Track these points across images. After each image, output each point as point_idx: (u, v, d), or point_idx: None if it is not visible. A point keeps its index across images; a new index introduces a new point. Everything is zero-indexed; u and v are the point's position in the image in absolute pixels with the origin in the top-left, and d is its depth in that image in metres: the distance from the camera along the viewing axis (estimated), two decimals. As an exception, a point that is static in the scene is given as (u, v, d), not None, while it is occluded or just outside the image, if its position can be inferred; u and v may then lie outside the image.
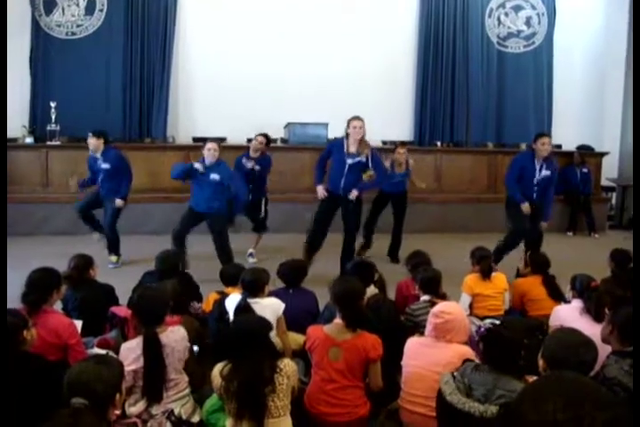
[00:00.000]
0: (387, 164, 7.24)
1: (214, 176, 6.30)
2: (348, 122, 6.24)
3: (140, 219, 8.51)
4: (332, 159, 6.40)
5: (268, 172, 7.43)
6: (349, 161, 6.22)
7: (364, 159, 6.23)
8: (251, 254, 7.46)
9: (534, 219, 6.57)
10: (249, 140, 7.29)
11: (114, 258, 7.11)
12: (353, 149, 6.22)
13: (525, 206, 6.45)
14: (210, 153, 6.28)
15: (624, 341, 2.78)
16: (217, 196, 6.37)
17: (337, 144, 6.39)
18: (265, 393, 2.78)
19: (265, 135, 7.38)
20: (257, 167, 7.24)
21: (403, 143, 8.11)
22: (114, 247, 7.16)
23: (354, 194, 6.25)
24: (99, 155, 6.99)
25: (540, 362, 2.50)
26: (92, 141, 6.96)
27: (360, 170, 6.26)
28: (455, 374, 2.62)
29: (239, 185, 6.66)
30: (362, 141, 6.22)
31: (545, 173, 6.47)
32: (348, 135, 6.26)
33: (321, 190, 6.38)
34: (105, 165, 6.97)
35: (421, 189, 7.84)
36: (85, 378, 2.23)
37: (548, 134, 6.81)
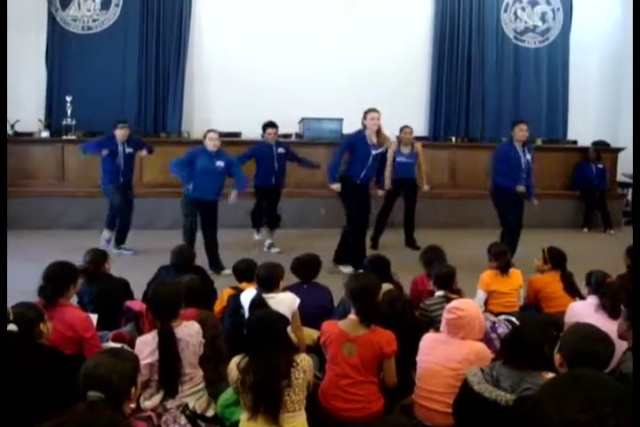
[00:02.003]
0: (392, 149, 7.45)
1: (219, 163, 6.45)
2: (365, 114, 6.32)
3: (154, 213, 8.53)
4: (355, 151, 6.41)
5: (292, 154, 7.58)
6: (374, 152, 6.33)
7: (384, 150, 6.45)
8: (271, 245, 7.49)
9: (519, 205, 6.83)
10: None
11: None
12: (374, 140, 6.32)
13: (520, 187, 6.59)
14: (212, 142, 6.39)
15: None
16: (223, 183, 6.57)
17: (359, 137, 6.42)
18: (281, 387, 2.78)
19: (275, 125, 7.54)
20: (281, 151, 7.44)
21: (406, 126, 8.13)
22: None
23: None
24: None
25: (557, 357, 2.49)
26: (127, 132, 7.19)
27: (377, 161, 6.42)
28: (484, 368, 2.65)
29: (241, 171, 6.81)
30: (380, 133, 6.34)
31: (528, 156, 6.73)
32: (364, 127, 6.31)
33: (337, 186, 6.41)
34: (129, 150, 7.21)
35: (424, 190, 7.98)
36: (101, 372, 2.23)
37: (525, 121, 6.95)
